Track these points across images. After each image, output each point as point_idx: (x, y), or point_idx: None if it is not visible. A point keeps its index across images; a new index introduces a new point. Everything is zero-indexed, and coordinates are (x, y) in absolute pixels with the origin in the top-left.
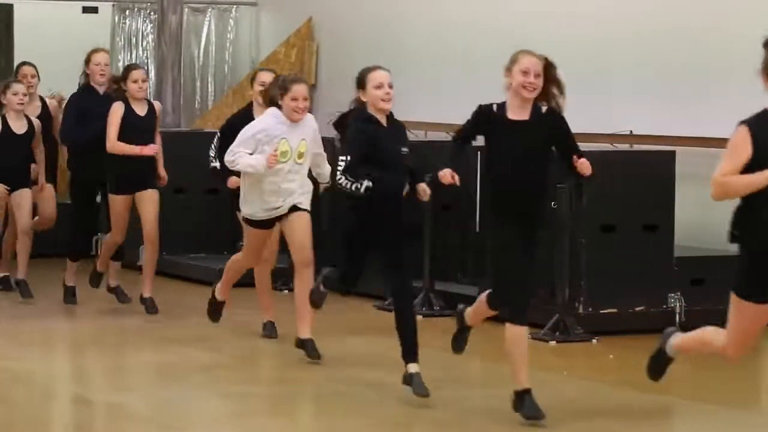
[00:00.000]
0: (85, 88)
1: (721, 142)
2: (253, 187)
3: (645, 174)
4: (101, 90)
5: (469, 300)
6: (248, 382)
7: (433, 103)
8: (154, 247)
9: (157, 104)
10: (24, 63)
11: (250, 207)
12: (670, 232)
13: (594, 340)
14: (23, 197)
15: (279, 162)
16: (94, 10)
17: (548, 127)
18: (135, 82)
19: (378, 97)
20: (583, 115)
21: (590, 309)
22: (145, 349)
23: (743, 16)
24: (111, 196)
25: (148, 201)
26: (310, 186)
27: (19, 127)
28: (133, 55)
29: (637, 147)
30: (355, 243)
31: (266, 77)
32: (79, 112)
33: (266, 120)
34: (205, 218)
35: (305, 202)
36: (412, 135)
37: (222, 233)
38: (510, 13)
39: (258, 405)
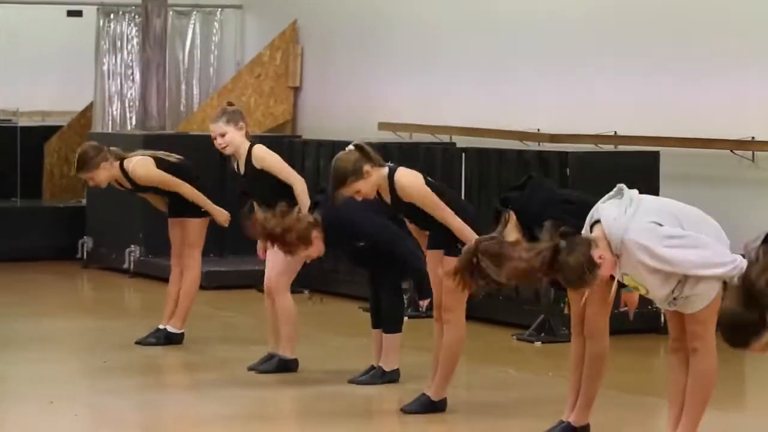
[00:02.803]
0: None
1: (705, 143)
2: None
3: (630, 174)
4: None
5: None
6: (234, 385)
7: (418, 105)
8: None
9: None
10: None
11: None
12: None
13: None
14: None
15: None
16: (79, 13)
17: None
18: None
19: None
20: (566, 114)
21: None
22: (130, 351)
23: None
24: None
25: None
26: None
27: None
28: (118, 59)
29: (621, 148)
30: None
31: None
32: None
33: None
34: None
35: None
36: (398, 137)
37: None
38: (499, 17)
39: (245, 408)
